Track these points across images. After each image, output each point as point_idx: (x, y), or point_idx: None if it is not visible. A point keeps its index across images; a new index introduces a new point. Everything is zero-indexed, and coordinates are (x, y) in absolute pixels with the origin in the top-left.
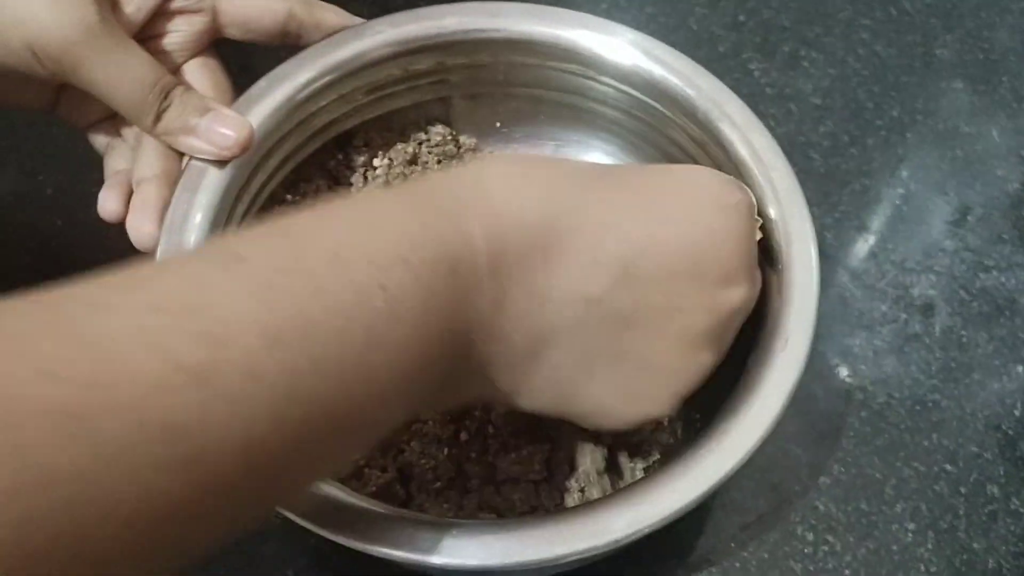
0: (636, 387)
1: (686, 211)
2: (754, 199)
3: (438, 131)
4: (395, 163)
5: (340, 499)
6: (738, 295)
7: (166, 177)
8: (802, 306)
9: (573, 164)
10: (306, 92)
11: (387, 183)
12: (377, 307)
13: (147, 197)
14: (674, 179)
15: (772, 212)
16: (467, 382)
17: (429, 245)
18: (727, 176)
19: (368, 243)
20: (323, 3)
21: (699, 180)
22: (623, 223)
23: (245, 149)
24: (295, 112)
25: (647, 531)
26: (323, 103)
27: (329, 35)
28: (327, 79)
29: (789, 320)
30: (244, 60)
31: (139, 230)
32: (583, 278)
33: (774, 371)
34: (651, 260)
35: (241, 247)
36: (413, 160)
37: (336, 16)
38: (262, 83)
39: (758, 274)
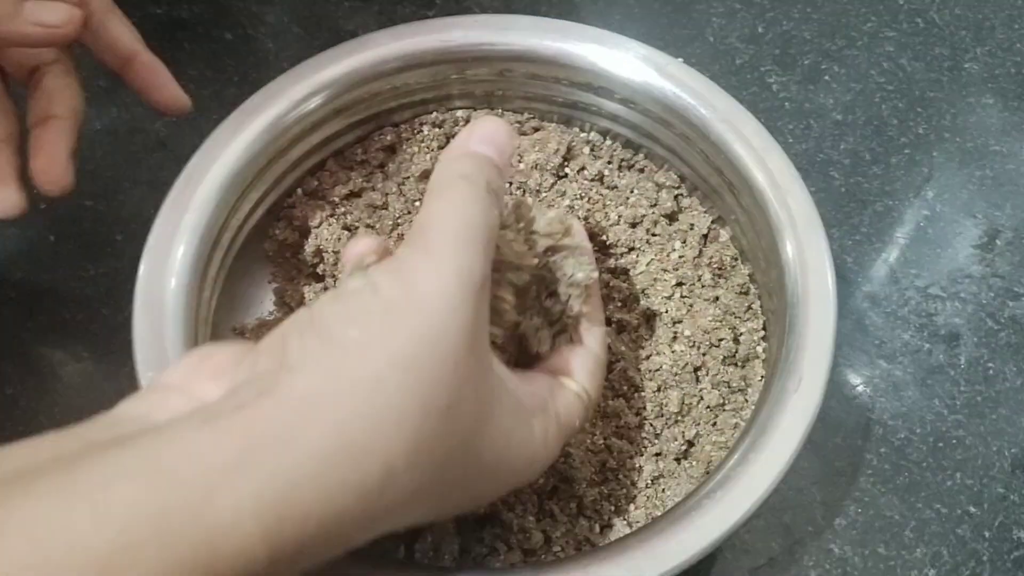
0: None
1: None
2: None
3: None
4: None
5: None
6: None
7: (12, 140)
8: (817, 344)
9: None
10: (301, 108)
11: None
12: None
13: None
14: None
15: (790, 250)
16: None
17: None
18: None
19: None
20: (119, 11)
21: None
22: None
23: (78, 29)
24: (289, 129)
25: None
26: (318, 119)
27: (111, 46)
28: (324, 94)
29: (803, 359)
30: (244, 72)
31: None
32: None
33: (786, 414)
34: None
35: None
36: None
37: (127, 30)
38: (255, 98)
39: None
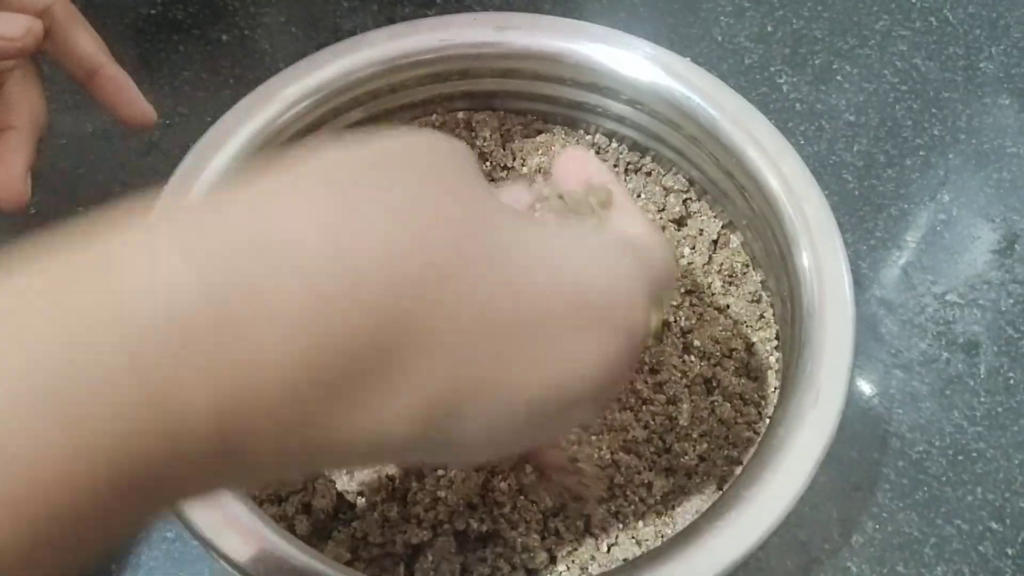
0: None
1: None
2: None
3: None
4: None
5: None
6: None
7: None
8: (835, 358)
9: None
10: (296, 110)
11: None
12: None
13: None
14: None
15: (805, 259)
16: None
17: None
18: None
19: None
20: (85, 22)
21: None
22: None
23: (37, 41)
24: (283, 132)
25: None
26: (313, 121)
27: (75, 58)
28: (320, 95)
29: (820, 373)
30: (240, 74)
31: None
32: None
33: (804, 430)
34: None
35: None
36: None
37: (92, 41)
38: (248, 100)
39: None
